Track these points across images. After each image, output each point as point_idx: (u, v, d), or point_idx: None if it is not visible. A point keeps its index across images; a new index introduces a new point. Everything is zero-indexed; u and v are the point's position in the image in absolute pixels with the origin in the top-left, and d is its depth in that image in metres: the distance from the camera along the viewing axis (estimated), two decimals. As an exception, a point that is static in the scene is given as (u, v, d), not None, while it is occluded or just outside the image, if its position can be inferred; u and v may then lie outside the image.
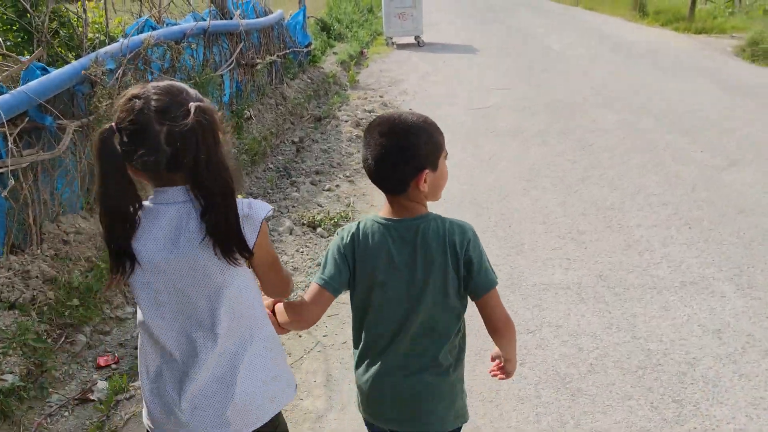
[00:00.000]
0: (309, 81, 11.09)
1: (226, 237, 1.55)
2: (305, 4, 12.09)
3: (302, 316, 1.85)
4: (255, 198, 4.79)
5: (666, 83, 10.28)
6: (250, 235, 1.60)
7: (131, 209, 1.58)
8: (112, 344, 4.06)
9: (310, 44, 11.90)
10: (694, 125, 7.79)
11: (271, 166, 7.34)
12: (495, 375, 2.01)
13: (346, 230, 1.87)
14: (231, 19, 8.10)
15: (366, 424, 2.02)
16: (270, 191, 6.36)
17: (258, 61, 8.84)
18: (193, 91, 1.58)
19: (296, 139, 8.40)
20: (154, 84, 1.55)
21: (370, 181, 1.85)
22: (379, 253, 1.81)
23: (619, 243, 4.88)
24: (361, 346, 1.93)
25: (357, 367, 1.94)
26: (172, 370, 1.65)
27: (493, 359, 2.03)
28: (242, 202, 1.61)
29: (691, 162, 6.52)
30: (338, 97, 10.15)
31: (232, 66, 7.82)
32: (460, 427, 1.95)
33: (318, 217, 5.45)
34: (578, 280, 4.38)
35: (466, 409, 1.96)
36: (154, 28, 6.41)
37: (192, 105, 1.50)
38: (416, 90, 10.52)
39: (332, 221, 5.41)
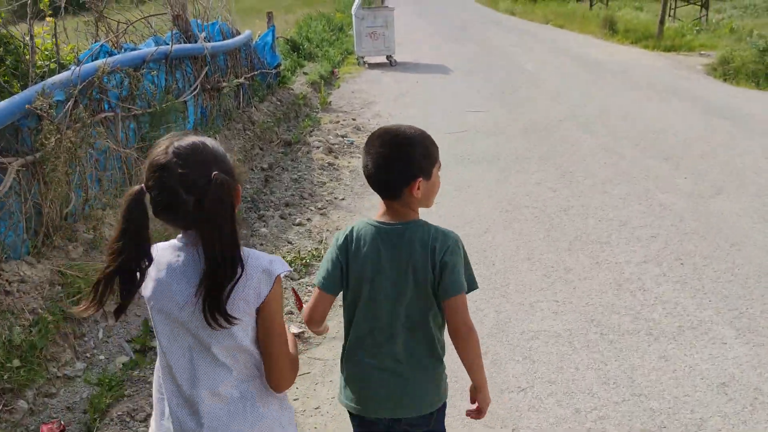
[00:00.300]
0: (278, 103, 10.73)
1: (215, 302, 1.58)
2: (274, 24, 11.73)
3: (310, 317, 2.06)
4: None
5: (642, 104, 10.10)
6: (264, 288, 1.65)
7: (142, 266, 1.64)
8: (58, 408, 3.63)
9: (279, 65, 11.55)
10: (674, 150, 7.57)
11: (238, 195, 6.94)
12: (470, 416, 2.09)
13: (341, 233, 2.05)
14: (195, 42, 7.71)
15: (351, 416, 2.13)
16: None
17: (224, 84, 8.46)
18: (211, 151, 1.64)
19: (265, 166, 8.02)
20: (176, 147, 1.61)
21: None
22: (369, 252, 1.97)
23: (609, 282, 4.57)
24: (350, 340, 2.07)
25: (347, 361, 2.08)
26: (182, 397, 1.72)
27: (471, 398, 2.09)
28: (263, 258, 1.67)
29: (675, 190, 6.27)
30: (309, 121, 9.79)
31: (196, 91, 7.44)
32: (445, 403, 2.11)
33: (288, 257, 5.06)
34: (569, 326, 4.05)
35: (447, 386, 2.11)
36: (110, 54, 6.01)
37: (213, 177, 1.57)
38: (390, 112, 10.21)
39: (303, 261, 5.02)
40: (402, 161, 1.92)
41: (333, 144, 8.39)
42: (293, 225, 5.88)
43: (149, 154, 1.63)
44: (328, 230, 5.73)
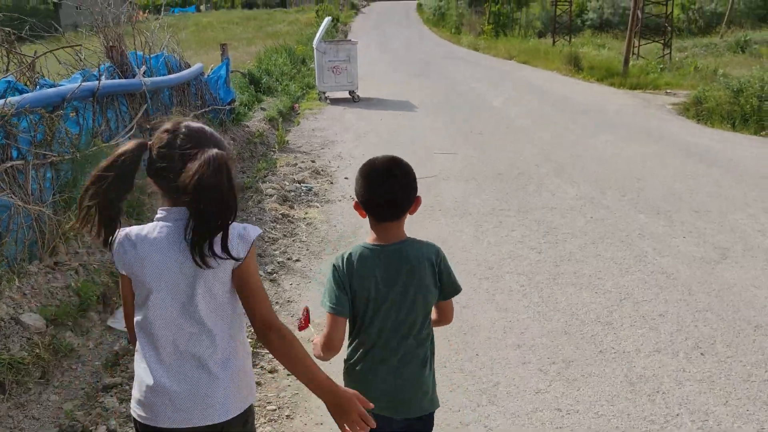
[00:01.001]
0: (232, 142, 9.74)
1: (203, 243, 1.72)
2: (228, 57, 10.80)
3: (330, 344, 2.12)
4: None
5: (618, 147, 9.40)
6: (243, 250, 1.79)
7: (120, 206, 1.81)
8: None
9: (233, 100, 10.59)
10: (664, 202, 6.80)
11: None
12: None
13: (339, 259, 2.15)
14: (133, 76, 6.73)
15: None
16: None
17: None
18: (216, 138, 1.84)
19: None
20: (187, 124, 1.82)
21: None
22: (371, 273, 2.12)
23: (620, 380, 3.69)
24: (355, 348, 2.19)
25: (353, 366, 2.20)
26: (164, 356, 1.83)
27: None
28: (238, 227, 1.81)
29: (675, 253, 5.46)
30: (264, 163, 8.83)
31: (132, 132, 6.44)
32: (434, 411, 2.27)
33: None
34: (579, 450, 3.14)
35: (437, 396, 2.29)
36: (21, 91, 5.01)
37: (211, 151, 1.71)
38: (352, 153, 9.31)
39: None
40: (411, 186, 2.12)
41: (289, 191, 7.44)
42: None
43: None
44: (277, 302, 4.75)
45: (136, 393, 1.85)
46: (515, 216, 6.49)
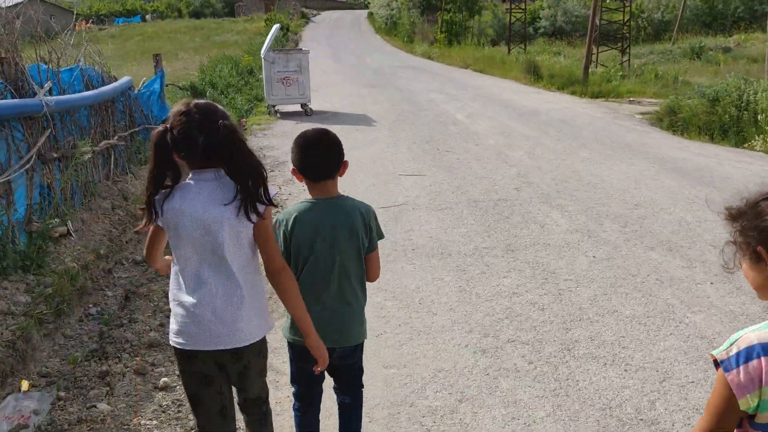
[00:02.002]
0: (167, 167, 8.42)
1: (252, 203, 2.14)
2: (163, 69, 9.43)
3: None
4: None
5: (603, 166, 8.38)
6: (261, 207, 2.18)
7: (169, 174, 2.16)
8: None
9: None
10: (674, 235, 5.75)
11: (92, 310, 4.63)
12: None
13: (285, 212, 2.52)
14: (33, 95, 5.36)
15: (292, 347, 2.59)
16: (65, 398, 3.57)
17: (84, 149, 6.13)
18: (221, 110, 2.20)
19: (139, 258, 5.75)
20: (195, 102, 2.17)
21: None
22: (311, 222, 2.46)
23: None
24: (301, 290, 2.36)
25: None
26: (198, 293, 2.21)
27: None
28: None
29: (708, 306, 4.38)
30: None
31: (30, 164, 5.10)
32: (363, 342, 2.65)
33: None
34: None
35: (365, 329, 2.66)
36: None
37: (219, 119, 2.12)
38: (305, 177, 8.06)
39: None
40: (337, 150, 2.50)
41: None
42: (156, 389, 3.60)
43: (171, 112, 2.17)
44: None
45: (174, 325, 2.25)
46: (503, 256, 5.35)
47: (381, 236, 2.59)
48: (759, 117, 9.90)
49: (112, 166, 7.10)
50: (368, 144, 10.04)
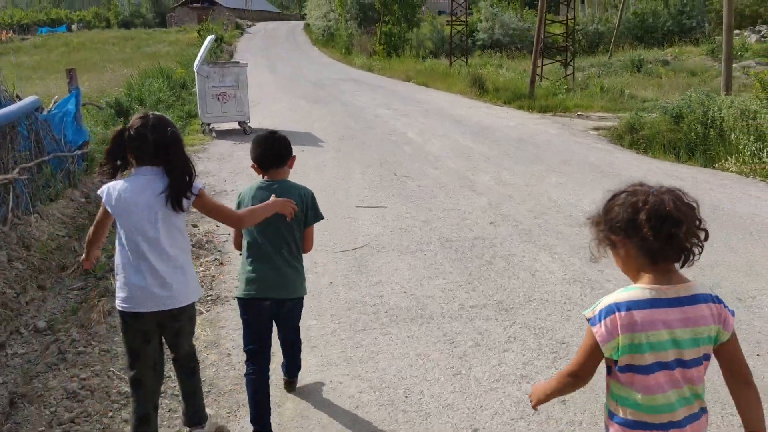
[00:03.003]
0: (82, 201, 7.07)
1: (177, 197, 2.67)
2: (78, 86, 8.06)
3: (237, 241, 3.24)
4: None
5: (575, 194, 7.49)
6: (192, 196, 2.72)
7: (119, 163, 2.70)
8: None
9: (86, 143, 7.89)
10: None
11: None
12: None
13: (243, 190, 3.15)
14: None
15: (243, 301, 3.09)
16: None
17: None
18: (171, 122, 2.78)
19: (43, 324, 4.50)
20: (153, 113, 2.76)
21: None
22: (262, 199, 2.99)
23: None
24: (250, 255, 3.06)
25: (247, 266, 3.06)
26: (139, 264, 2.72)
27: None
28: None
29: (763, 378, 3.48)
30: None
31: None
32: (303, 298, 3.25)
33: None
34: None
35: (305, 287, 3.24)
36: None
37: (169, 128, 2.70)
38: (247, 212, 6.87)
39: None
40: (286, 146, 3.15)
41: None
42: None
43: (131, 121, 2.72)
44: None
45: (121, 293, 2.72)
46: (497, 319, 4.33)
47: (319, 218, 3.18)
48: (732, 136, 9.26)
49: (10, 206, 5.75)
50: (317, 168, 8.91)
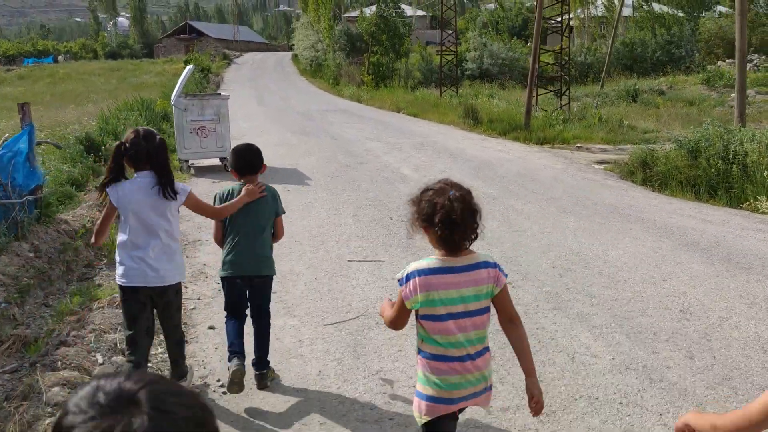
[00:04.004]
0: (30, 256, 5.98)
1: (165, 187, 3.32)
2: (32, 122, 6.97)
3: (217, 238, 3.87)
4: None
5: (599, 241, 6.49)
6: (182, 195, 3.41)
7: (119, 176, 3.36)
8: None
9: (39, 187, 6.80)
10: (750, 363, 3.85)
11: None
12: None
13: (222, 189, 3.79)
14: None
15: (225, 280, 3.77)
16: None
17: None
18: (158, 134, 3.44)
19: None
20: (144, 129, 3.43)
21: None
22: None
23: None
24: (230, 242, 3.70)
25: (227, 252, 3.70)
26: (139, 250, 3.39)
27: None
28: (179, 184, 3.45)
29: None
30: (79, 297, 5.17)
31: None
32: (272, 276, 3.89)
33: None
34: None
35: (275, 268, 3.89)
36: None
37: (157, 137, 3.37)
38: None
39: None
40: (259, 156, 3.78)
41: (100, 363, 3.86)
42: None
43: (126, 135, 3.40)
44: None
45: (121, 271, 3.38)
46: (538, 430, 3.28)
47: (281, 212, 3.87)
48: (764, 173, 8.31)
49: (-70, 271, 4.67)
50: (303, 211, 7.87)
